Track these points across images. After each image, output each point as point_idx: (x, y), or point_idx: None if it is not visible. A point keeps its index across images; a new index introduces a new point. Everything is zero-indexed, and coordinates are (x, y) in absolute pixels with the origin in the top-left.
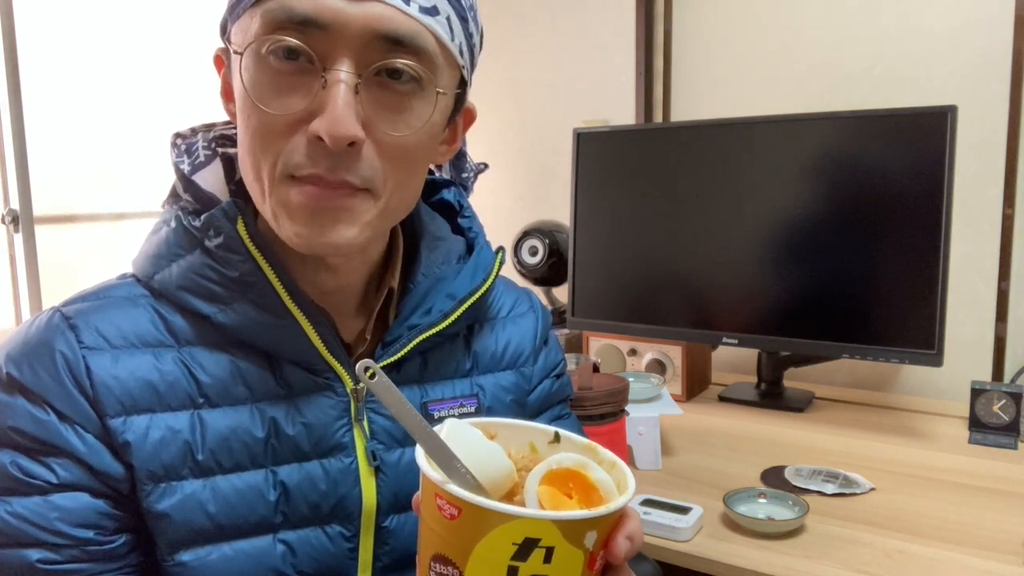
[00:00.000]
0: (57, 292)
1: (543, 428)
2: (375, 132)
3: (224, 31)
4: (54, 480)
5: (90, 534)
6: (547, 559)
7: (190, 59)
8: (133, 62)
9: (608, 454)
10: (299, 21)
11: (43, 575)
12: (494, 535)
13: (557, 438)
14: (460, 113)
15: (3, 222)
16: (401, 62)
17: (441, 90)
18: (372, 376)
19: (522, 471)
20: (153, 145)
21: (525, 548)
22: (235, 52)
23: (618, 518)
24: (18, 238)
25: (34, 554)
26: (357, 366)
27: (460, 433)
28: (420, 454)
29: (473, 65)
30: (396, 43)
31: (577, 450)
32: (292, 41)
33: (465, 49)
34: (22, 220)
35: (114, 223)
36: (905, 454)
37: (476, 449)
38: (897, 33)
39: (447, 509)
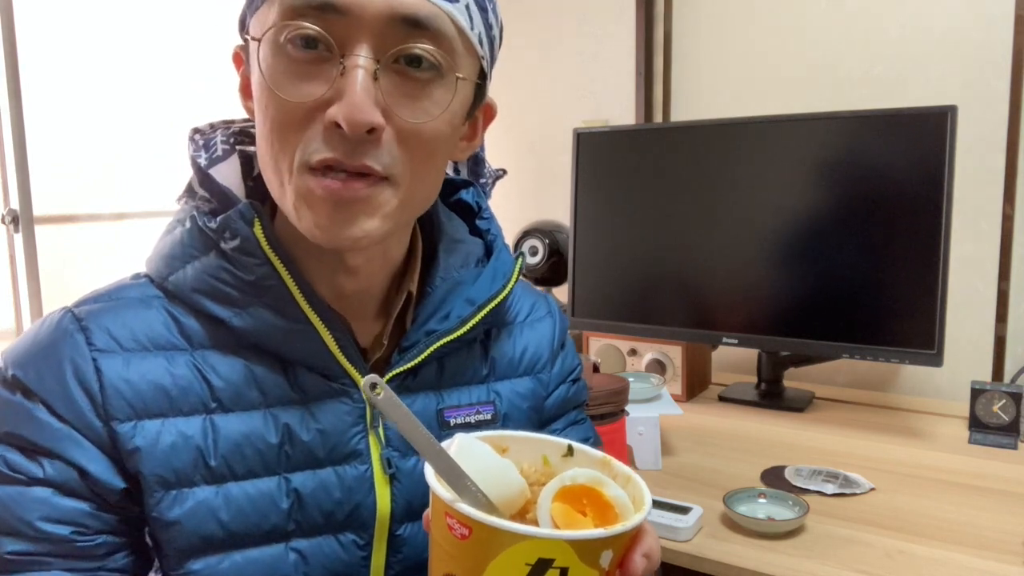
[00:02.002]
0: (57, 292)
1: (556, 441)
2: (394, 119)
3: (243, 26)
4: (40, 475)
5: (66, 531)
6: None
7: (192, 58)
8: (134, 61)
9: (623, 468)
10: (317, 6)
11: (11, 565)
12: (506, 555)
13: (570, 451)
14: (480, 107)
15: (3, 222)
16: (420, 47)
17: (461, 75)
18: (379, 392)
19: (535, 486)
20: (154, 145)
21: (538, 569)
22: (252, 39)
23: (634, 535)
24: (18, 238)
25: (8, 544)
26: (363, 382)
27: (470, 450)
28: (429, 472)
29: (493, 59)
30: (415, 26)
31: (591, 464)
32: (311, 27)
33: (485, 40)
34: (22, 220)
35: (115, 223)
36: (905, 454)
37: (487, 466)
38: (897, 33)
39: (458, 529)
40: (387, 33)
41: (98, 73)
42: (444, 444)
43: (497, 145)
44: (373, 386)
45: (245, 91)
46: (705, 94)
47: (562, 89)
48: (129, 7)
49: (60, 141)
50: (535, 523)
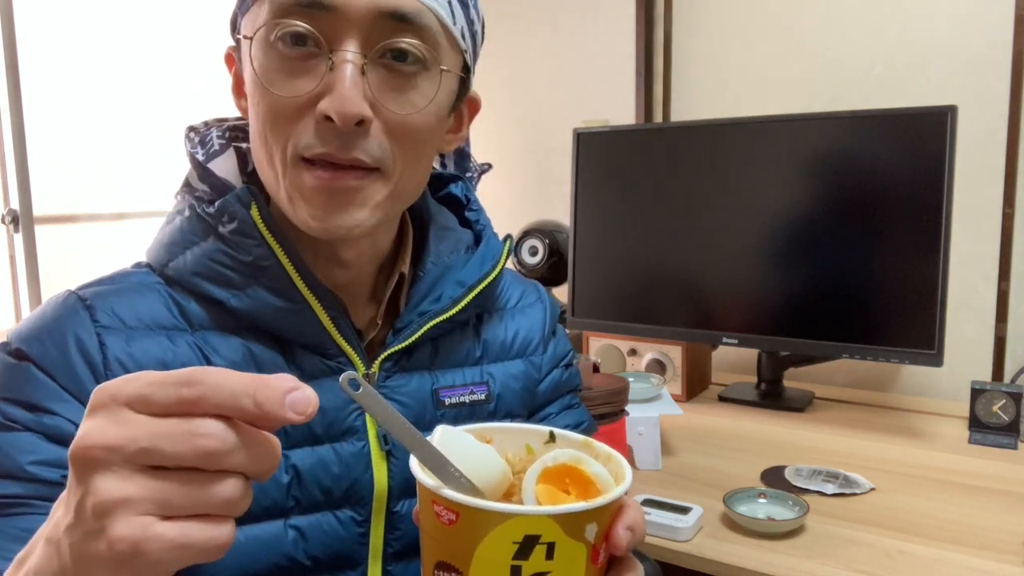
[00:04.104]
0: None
1: (538, 429)
2: (382, 111)
3: (234, 26)
4: (33, 423)
5: (56, 476)
6: (549, 555)
7: (191, 59)
8: (134, 61)
9: (604, 448)
10: (306, 4)
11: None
12: (493, 536)
13: (552, 437)
14: (464, 101)
15: (3, 222)
16: (406, 41)
17: (445, 68)
18: (357, 388)
19: (520, 473)
20: (154, 145)
21: (526, 546)
22: (244, 38)
23: (617, 509)
24: (18, 238)
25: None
26: (341, 378)
27: (452, 438)
28: (414, 463)
29: (476, 54)
30: (400, 20)
31: (573, 447)
32: (299, 25)
33: (467, 34)
34: (22, 220)
35: (115, 223)
36: (905, 454)
37: (469, 453)
38: (897, 33)
39: (444, 515)
40: (373, 28)
41: (98, 73)
42: (427, 436)
43: (497, 145)
44: (352, 381)
45: (238, 90)
46: (705, 94)
47: (562, 89)
48: (129, 7)
49: (60, 141)
50: (521, 505)
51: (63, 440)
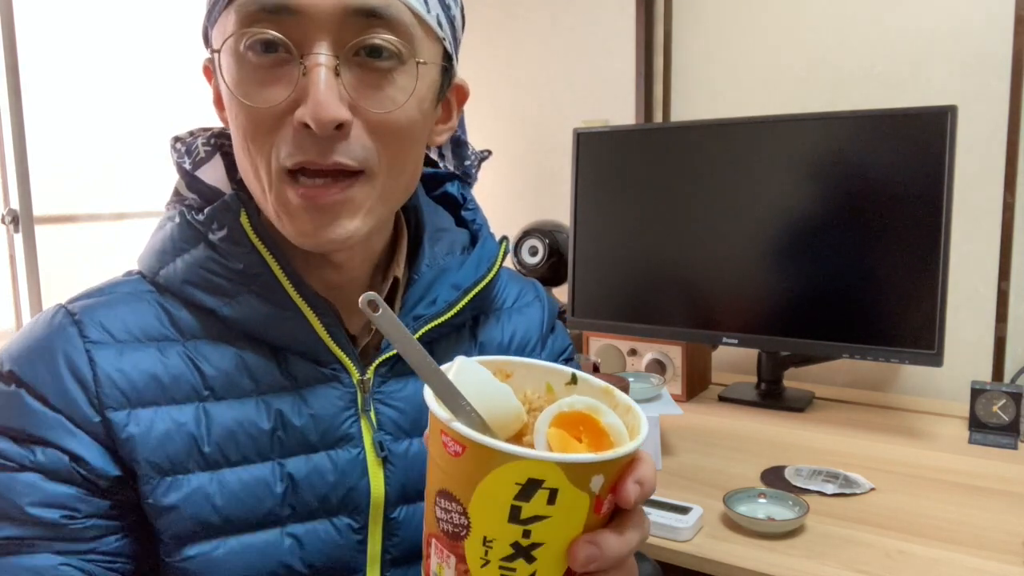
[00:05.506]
0: (57, 292)
1: (561, 369)
2: (362, 112)
3: (206, 39)
4: (30, 461)
5: (56, 515)
6: (551, 501)
7: (190, 59)
8: (133, 62)
9: (624, 399)
10: (271, 9)
11: (1, 550)
12: (497, 474)
13: (574, 380)
14: (451, 89)
15: (3, 222)
16: (378, 36)
17: (422, 60)
18: (377, 310)
19: (536, 411)
20: (153, 145)
21: (528, 489)
22: (213, 51)
23: (628, 462)
24: (18, 238)
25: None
26: (360, 299)
27: (469, 372)
28: (428, 393)
29: (456, 41)
30: (370, 16)
31: (593, 393)
32: (268, 33)
33: (444, 21)
34: (22, 220)
35: (114, 223)
36: (905, 454)
37: (484, 389)
38: (897, 33)
39: (452, 446)
40: (343, 28)
41: (98, 73)
42: (444, 366)
43: (497, 145)
44: (371, 303)
45: (218, 103)
46: (705, 94)
47: (562, 89)
48: (129, 8)
49: (60, 141)
50: (531, 446)
51: (60, 476)
